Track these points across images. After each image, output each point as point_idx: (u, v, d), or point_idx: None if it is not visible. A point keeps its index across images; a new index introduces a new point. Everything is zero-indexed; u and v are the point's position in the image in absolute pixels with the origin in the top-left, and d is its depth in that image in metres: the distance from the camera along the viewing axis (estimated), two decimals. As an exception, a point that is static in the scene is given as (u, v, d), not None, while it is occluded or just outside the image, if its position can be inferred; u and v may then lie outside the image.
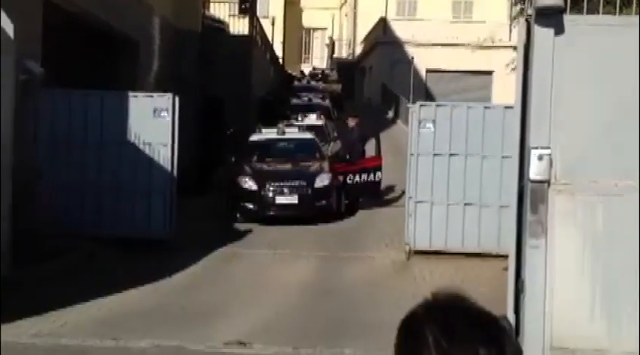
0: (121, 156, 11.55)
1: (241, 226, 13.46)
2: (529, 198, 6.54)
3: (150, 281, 9.44)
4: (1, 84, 8.07)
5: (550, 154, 6.52)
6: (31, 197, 10.01)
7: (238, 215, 13.94)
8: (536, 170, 6.51)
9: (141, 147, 11.61)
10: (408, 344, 1.19)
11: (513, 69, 9.40)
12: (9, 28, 8.50)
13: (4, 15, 8.33)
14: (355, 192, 15.03)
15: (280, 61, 37.49)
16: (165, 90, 12.78)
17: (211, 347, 7.17)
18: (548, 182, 6.53)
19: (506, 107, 10.66)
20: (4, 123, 8.33)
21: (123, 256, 10.52)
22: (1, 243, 8.18)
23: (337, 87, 37.45)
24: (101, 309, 8.30)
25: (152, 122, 11.60)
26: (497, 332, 1.19)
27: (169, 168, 11.58)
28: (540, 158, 6.53)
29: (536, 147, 6.54)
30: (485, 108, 11.90)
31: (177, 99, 11.71)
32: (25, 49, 10.01)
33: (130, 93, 11.98)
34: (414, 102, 14.41)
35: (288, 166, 15.01)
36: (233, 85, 19.93)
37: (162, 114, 11.63)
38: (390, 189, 15.98)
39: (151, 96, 12.14)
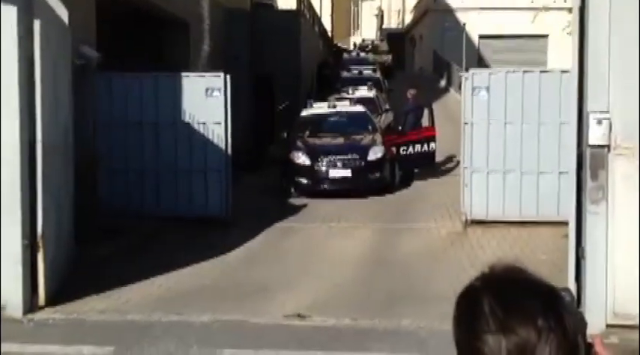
0: (176, 136, 11.74)
1: (296, 201, 13.56)
2: (588, 164, 6.40)
3: (209, 257, 9.64)
4: (58, 69, 8.28)
5: (609, 118, 6.35)
6: (92, 178, 10.29)
7: (293, 190, 14.05)
8: (595, 135, 6.35)
9: (195, 126, 11.78)
10: (466, 317, 1.19)
11: (569, 32, 9.13)
12: (64, 15, 8.69)
13: (58, 2, 8.52)
14: (409, 163, 14.95)
15: (329, 34, 37.27)
16: (216, 70, 12.89)
17: (271, 320, 7.30)
18: (607, 147, 6.38)
19: (563, 71, 10.40)
20: (63, 108, 8.56)
21: (182, 234, 10.75)
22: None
23: (387, 58, 37.09)
24: (162, 286, 8.52)
25: (205, 101, 11.74)
26: (555, 302, 1.18)
27: (224, 146, 11.73)
28: (599, 122, 6.37)
29: (595, 112, 6.38)
30: (542, 73, 11.62)
31: (228, 78, 11.80)
32: (80, 34, 10.22)
33: (183, 74, 12.13)
34: (466, 69, 14.17)
35: (340, 140, 15.00)
36: (283, 60, 19.95)
37: (214, 94, 11.75)
38: (445, 159, 15.82)
39: (203, 76, 12.26)
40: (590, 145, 6.40)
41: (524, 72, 11.49)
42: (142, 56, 14.12)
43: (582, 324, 1.19)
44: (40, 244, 7.51)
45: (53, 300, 7.61)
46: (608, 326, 6.22)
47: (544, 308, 1.15)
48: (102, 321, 7.30)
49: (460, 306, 1.22)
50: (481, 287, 1.20)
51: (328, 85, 23.58)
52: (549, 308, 1.16)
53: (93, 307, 7.67)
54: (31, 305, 7.41)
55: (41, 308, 7.48)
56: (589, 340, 1.19)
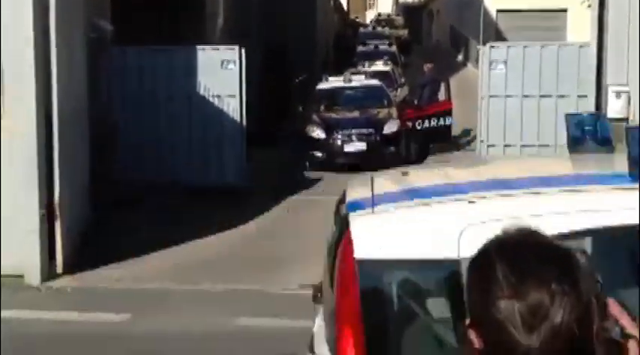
0: (191, 109, 11.76)
1: (311, 175, 13.57)
2: (606, 137, 6.33)
3: (224, 229, 9.69)
4: (72, 43, 8.30)
5: (628, 91, 6.29)
6: (107, 150, 10.35)
7: (308, 164, 14.05)
8: (613, 108, 6.31)
9: (210, 99, 11.78)
10: (479, 281, 1.19)
11: (589, 6, 9.03)
12: (78, -14, 8.69)
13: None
14: (425, 137, 14.88)
15: (345, 8, 36.99)
16: (231, 43, 12.85)
17: (287, 290, 7.35)
18: (626, 120, 6.31)
19: (582, 45, 10.28)
20: (78, 81, 8.59)
21: (197, 206, 10.81)
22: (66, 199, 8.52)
23: (404, 32, 36.77)
24: (179, 255, 8.60)
25: (220, 74, 11.73)
26: (570, 266, 1.16)
27: (239, 119, 11.73)
28: (618, 95, 6.31)
29: (614, 85, 6.31)
30: (560, 46, 11.49)
31: (243, 50, 11.77)
32: (94, 7, 10.21)
33: (197, 47, 12.10)
34: (484, 43, 14.04)
35: (355, 114, 14.95)
36: (298, 34, 19.86)
37: (229, 67, 11.73)
38: (461, 133, 15.74)
39: (218, 49, 12.23)
40: (608, 118, 6.33)
41: (542, 46, 11.37)
42: (157, 29, 14.09)
43: (597, 285, 1.18)
44: (57, 213, 7.59)
45: (70, 268, 7.72)
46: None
47: (558, 271, 1.14)
48: (118, 289, 7.39)
49: (473, 269, 1.21)
50: (494, 251, 1.19)
51: (346, 58, 23.44)
52: (564, 272, 1.15)
53: (109, 275, 7.76)
54: (48, 273, 7.52)
55: (59, 276, 7.59)
56: (604, 300, 1.19)
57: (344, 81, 16.11)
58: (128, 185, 10.52)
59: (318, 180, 13.22)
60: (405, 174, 3.20)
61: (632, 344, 1.19)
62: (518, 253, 1.17)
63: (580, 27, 22.08)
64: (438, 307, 2.35)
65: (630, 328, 1.19)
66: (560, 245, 1.21)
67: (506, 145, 11.22)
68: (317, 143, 14.09)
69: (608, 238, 2.32)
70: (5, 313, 6.56)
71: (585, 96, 9.19)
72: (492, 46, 11.74)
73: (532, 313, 1.12)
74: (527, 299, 1.13)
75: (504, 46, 11.97)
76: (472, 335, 1.19)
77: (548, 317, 1.12)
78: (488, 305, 1.15)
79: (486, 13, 30.67)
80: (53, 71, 7.57)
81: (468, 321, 1.20)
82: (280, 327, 6.23)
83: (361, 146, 13.99)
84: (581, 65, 10.15)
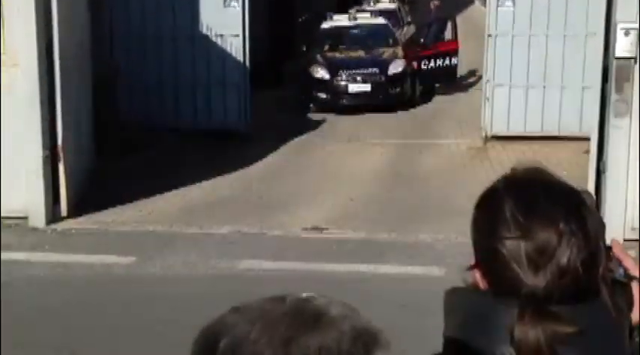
0: (194, 49, 11.59)
1: (315, 116, 13.49)
2: (614, 77, 6.24)
3: (229, 171, 9.69)
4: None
5: (637, 29, 6.13)
6: (110, 92, 10.26)
7: (312, 105, 13.94)
8: (622, 46, 6.16)
9: (213, 39, 11.60)
10: (486, 219, 1.16)
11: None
12: None
13: None
14: (431, 77, 14.70)
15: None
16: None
17: (290, 232, 7.39)
18: (635, 59, 6.19)
19: (592, -19, 10.01)
20: (80, 21, 8.44)
21: (201, 148, 10.79)
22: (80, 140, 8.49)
23: (410, -32, 35.88)
24: (183, 199, 8.63)
25: (223, 13, 11.51)
26: (577, 205, 1.14)
27: (242, 59, 11.58)
28: (627, 33, 6.16)
29: (623, 22, 6.16)
30: (570, -17, 11.19)
31: (246, -12, 11.52)
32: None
33: (200, -16, 11.84)
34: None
35: (360, 54, 14.74)
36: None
37: (232, 4, 11.51)
38: (467, 73, 15.54)
39: (221, -13, 11.96)
40: (616, 57, 6.21)
41: (552, -18, 11.07)
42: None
43: (602, 227, 1.15)
44: (61, 155, 7.57)
45: (75, 211, 7.75)
46: (625, 240, 6.21)
47: (566, 211, 1.12)
48: (124, 232, 7.44)
49: (480, 208, 1.19)
50: (502, 189, 1.16)
51: None
52: (571, 211, 1.12)
53: (115, 218, 7.80)
54: (53, 215, 7.55)
55: (63, 218, 7.63)
56: (607, 243, 1.17)
57: (349, 19, 15.83)
58: (130, 128, 10.48)
59: (322, 121, 13.15)
60: None
61: (635, 286, 1.17)
62: (527, 192, 1.15)
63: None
64: None
65: (633, 269, 1.18)
66: (569, 184, 1.18)
67: (512, 86, 11.06)
68: (321, 84, 13.95)
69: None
70: (10, 255, 6.63)
71: (594, 34, 8.99)
72: (500, -16, 11.44)
73: (539, 253, 1.10)
74: (535, 238, 1.10)
75: (513, -16, 11.67)
76: (477, 275, 1.17)
77: (555, 257, 1.09)
78: (494, 244, 1.12)
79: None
80: (54, 9, 7.42)
81: (472, 262, 1.18)
82: (283, 270, 6.29)
83: (365, 87, 13.84)
84: (590, 2, 9.91)
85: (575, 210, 1.13)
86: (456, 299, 1.17)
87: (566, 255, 1.09)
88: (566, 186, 1.17)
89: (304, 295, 0.89)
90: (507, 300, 1.10)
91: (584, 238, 1.10)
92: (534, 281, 1.09)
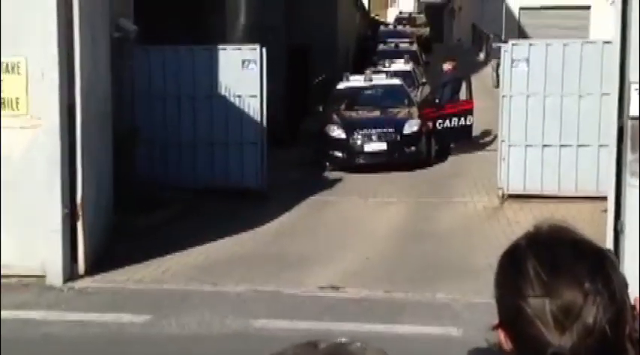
0: (212, 109, 11.80)
1: (331, 175, 13.56)
2: (629, 136, 6.26)
3: (245, 229, 9.72)
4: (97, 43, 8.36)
5: (652, 89, 6.18)
6: (130, 150, 10.42)
7: (328, 164, 14.04)
8: (636, 105, 6.20)
9: (231, 99, 11.81)
10: (509, 278, 1.15)
11: (612, 2, 8.90)
12: (101, -13, 8.75)
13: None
14: (446, 137, 14.79)
15: (366, 6, 36.90)
16: (252, 42, 12.87)
17: (306, 291, 7.35)
18: (650, 118, 6.21)
19: (605, 42, 10.13)
20: (102, 79, 8.65)
21: (218, 206, 10.85)
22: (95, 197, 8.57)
23: (425, 30, 36.60)
24: (199, 257, 8.63)
25: (241, 74, 11.75)
26: (602, 263, 1.12)
27: (259, 119, 11.75)
28: (641, 93, 6.20)
29: (637, 82, 6.21)
30: (583, 44, 11.34)
31: (264, 50, 11.78)
32: (118, 7, 10.28)
33: (219, 47, 12.14)
34: (505, 41, 13.91)
35: (376, 113, 14.90)
36: (319, 33, 19.82)
37: (250, 66, 11.75)
38: (482, 133, 15.63)
39: (239, 49, 12.25)
40: (631, 117, 6.25)
41: (565, 44, 11.23)
42: (180, 28, 14.16)
43: (625, 286, 1.14)
44: (80, 213, 7.65)
45: (93, 269, 7.78)
46: (646, 301, 6.12)
47: (591, 269, 1.10)
48: (140, 290, 7.44)
49: (504, 265, 1.17)
50: (526, 246, 1.15)
51: (367, 57, 23.42)
52: (596, 269, 1.11)
53: (131, 276, 7.81)
54: (71, 273, 7.58)
55: (80, 276, 7.64)
56: (631, 302, 1.15)
57: (364, 80, 16.07)
58: (149, 186, 10.59)
59: (338, 180, 13.21)
60: None
61: None
62: (551, 249, 1.13)
63: (604, 24, 21.81)
64: None
65: None
66: (593, 242, 1.17)
67: (527, 145, 11.10)
68: (337, 143, 14.07)
69: None
70: (28, 314, 6.63)
71: (608, 94, 9.05)
72: (514, 44, 11.62)
73: (564, 312, 1.08)
74: (560, 297, 1.08)
75: (526, 44, 11.84)
76: (501, 335, 1.15)
77: (581, 316, 1.07)
78: (518, 304, 1.11)
79: (509, 11, 30.42)
80: (77, 69, 7.63)
81: (496, 321, 1.16)
82: (299, 329, 6.23)
83: (381, 146, 13.94)
84: (604, 63, 10.01)
85: (600, 268, 1.11)
86: None
87: (592, 314, 1.07)
88: (591, 244, 1.15)
89: (339, 340, 0.87)
90: None
91: (609, 297, 1.09)
92: (560, 341, 1.07)
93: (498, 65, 14.72)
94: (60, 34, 7.45)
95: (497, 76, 16.27)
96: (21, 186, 7.45)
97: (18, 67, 7.52)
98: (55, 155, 7.48)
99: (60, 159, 7.49)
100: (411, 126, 14.14)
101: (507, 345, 1.14)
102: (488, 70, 25.58)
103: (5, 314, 6.38)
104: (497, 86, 14.92)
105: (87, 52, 7.90)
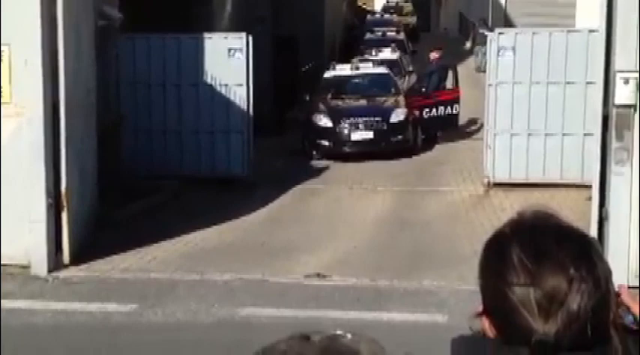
0: (198, 97, 11.74)
1: (318, 163, 13.56)
2: (614, 124, 6.29)
3: (231, 218, 9.70)
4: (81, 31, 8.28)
5: (637, 77, 6.21)
6: (115, 139, 10.35)
7: (314, 152, 14.03)
8: (622, 94, 6.23)
9: (217, 88, 11.75)
10: (494, 265, 1.14)
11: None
12: (84, -26, 8.65)
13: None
14: (432, 125, 14.81)
15: (353, -5, 36.73)
16: (239, 30, 12.79)
17: (292, 279, 7.35)
18: (634, 106, 6.25)
19: (591, 31, 10.16)
20: (86, 69, 8.58)
21: (204, 195, 10.82)
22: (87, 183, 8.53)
23: (412, 19, 36.56)
24: (186, 245, 8.61)
25: (227, 63, 11.69)
26: (587, 250, 1.11)
27: (245, 107, 11.71)
28: (626, 81, 6.24)
29: (622, 71, 6.24)
30: (569, 32, 11.37)
31: (250, 39, 11.72)
32: (102, -5, 10.18)
33: (205, 35, 12.06)
34: (493, 29, 13.92)
35: (363, 102, 14.90)
36: (306, 22, 19.74)
37: (236, 55, 11.69)
38: (468, 122, 15.66)
39: (226, 38, 12.18)
40: (616, 105, 6.27)
41: (551, 33, 11.26)
42: (166, 17, 14.04)
43: (610, 273, 1.13)
44: (64, 203, 7.60)
45: (77, 259, 7.74)
46: (629, 287, 6.17)
47: (575, 256, 1.10)
48: (125, 279, 7.41)
49: (488, 253, 1.16)
50: (510, 233, 1.14)
51: (354, 46, 23.37)
52: (581, 256, 1.10)
53: (116, 265, 7.78)
54: (55, 263, 7.54)
55: (66, 266, 7.61)
56: (615, 289, 1.14)
57: (351, 69, 16.04)
58: (135, 174, 10.53)
59: (324, 168, 13.21)
60: None
61: None
62: (535, 236, 1.12)
63: (590, 13, 21.87)
64: None
65: None
66: (577, 228, 1.16)
67: (513, 133, 11.14)
68: (324, 131, 14.06)
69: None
70: (12, 304, 6.59)
71: (594, 82, 9.11)
72: (500, 32, 11.63)
73: (549, 299, 1.07)
74: (544, 284, 1.08)
75: (512, 33, 11.86)
76: (485, 323, 1.14)
77: (566, 303, 1.07)
78: (502, 291, 1.10)
79: (495, 0, 30.44)
80: (60, 58, 7.55)
81: (480, 309, 1.15)
82: (286, 317, 6.23)
83: (368, 134, 13.94)
84: (590, 51, 10.04)
85: (584, 254, 1.10)
86: (464, 348, 1.15)
87: (576, 301, 1.07)
88: (575, 230, 1.15)
89: (332, 332, 0.85)
90: (517, 348, 1.08)
91: (594, 284, 1.08)
92: (545, 328, 1.07)
93: (484, 53, 14.75)
94: (43, 22, 7.37)
95: (484, 62, 16.27)
96: (5, 175, 7.38)
97: (1, 55, 7.44)
98: (38, 144, 7.42)
99: (44, 149, 7.43)
100: (398, 115, 14.15)
101: (491, 332, 1.13)
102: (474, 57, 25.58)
103: (-11, 304, 6.34)
104: (482, 71, 14.92)
105: (71, 40, 7.82)
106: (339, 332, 0.85)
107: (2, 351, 5.02)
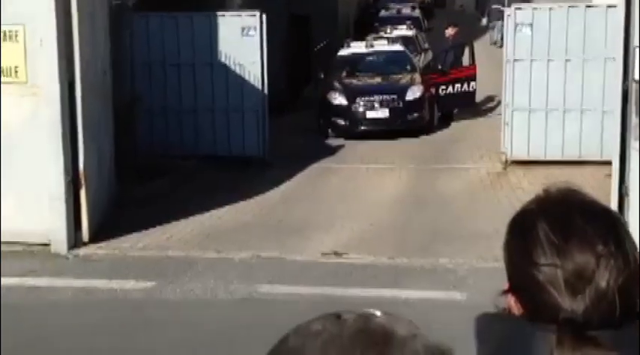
0: (213, 76, 11.72)
1: (333, 142, 13.53)
2: (634, 100, 6.20)
3: (247, 196, 9.72)
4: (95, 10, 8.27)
5: (658, 52, 6.11)
6: (130, 119, 10.38)
7: (330, 131, 13.99)
8: (641, 69, 6.13)
9: (232, 67, 11.72)
10: (519, 243, 1.12)
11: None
12: (98, -47, 8.62)
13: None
14: (449, 103, 14.71)
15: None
16: (253, 8, 12.72)
17: (309, 257, 7.37)
18: (655, 81, 6.16)
19: (609, 6, 10.01)
20: (101, 49, 8.58)
21: (220, 174, 10.85)
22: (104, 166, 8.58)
23: (427, -4, 36.17)
24: (203, 224, 8.65)
25: (241, 41, 11.65)
26: (614, 225, 1.09)
27: (260, 86, 11.68)
28: (647, 56, 6.14)
29: (642, 45, 6.14)
30: (587, 7, 11.21)
31: (264, 17, 11.66)
32: (116, -26, 10.15)
33: (218, 14, 12.01)
34: (509, 5, 13.75)
35: (378, 80, 14.81)
36: (320, 0, 19.60)
37: (250, 33, 11.64)
38: (485, 99, 15.54)
39: (239, 16, 12.12)
40: (635, 80, 6.19)
41: (570, 7, 11.10)
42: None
43: (636, 248, 1.11)
44: (82, 181, 7.65)
45: (96, 236, 7.80)
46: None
47: (603, 232, 1.08)
48: (144, 257, 7.47)
49: (513, 230, 1.14)
50: (536, 210, 1.12)
51: (369, 24, 23.22)
52: (609, 232, 1.08)
53: (135, 243, 7.84)
54: (75, 241, 7.60)
55: (85, 244, 7.67)
56: None
57: (366, 46, 15.94)
58: (151, 154, 10.57)
59: (340, 147, 13.18)
60: None
61: None
62: (561, 213, 1.10)
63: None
64: None
65: None
66: (604, 205, 1.14)
67: (531, 110, 11.04)
68: (339, 110, 14.01)
69: None
70: (34, 281, 6.67)
71: (612, 58, 9.00)
72: (518, 8, 11.48)
73: (577, 276, 1.05)
74: (572, 261, 1.06)
75: (530, 8, 11.71)
76: (511, 300, 1.13)
77: (594, 280, 1.05)
78: (529, 268, 1.08)
79: (512, -25, 29.99)
80: (75, 37, 7.56)
81: (506, 286, 1.14)
82: (303, 294, 6.26)
83: (383, 113, 13.88)
84: (608, 27, 9.90)
85: (612, 230, 1.08)
86: (489, 326, 1.13)
87: (605, 278, 1.05)
88: (602, 207, 1.13)
89: (366, 311, 0.83)
90: (544, 326, 1.06)
91: (623, 260, 1.06)
92: (573, 305, 1.06)
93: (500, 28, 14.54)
94: (57, 1, 7.36)
95: (500, 36, 16.04)
96: (23, 154, 7.43)
97: (16, 34, 7.45)
98: (56, 123, 7.45)
99: (61, 128, 7.46)
100: (414, 93, 14.06)
101: (518, 310, 1.12)
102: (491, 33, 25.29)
103: (11, 281, 6.42)
104: (499, 46, 14.70)
105: (85, 20, 7.81)
106: (372, 310, 0.83)
107: (25, 328, 5.08)
